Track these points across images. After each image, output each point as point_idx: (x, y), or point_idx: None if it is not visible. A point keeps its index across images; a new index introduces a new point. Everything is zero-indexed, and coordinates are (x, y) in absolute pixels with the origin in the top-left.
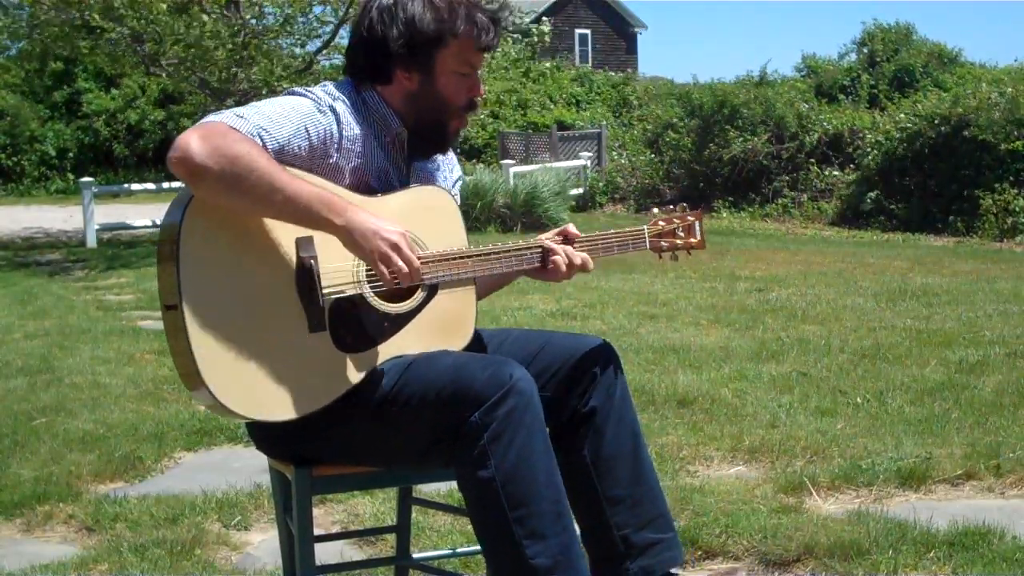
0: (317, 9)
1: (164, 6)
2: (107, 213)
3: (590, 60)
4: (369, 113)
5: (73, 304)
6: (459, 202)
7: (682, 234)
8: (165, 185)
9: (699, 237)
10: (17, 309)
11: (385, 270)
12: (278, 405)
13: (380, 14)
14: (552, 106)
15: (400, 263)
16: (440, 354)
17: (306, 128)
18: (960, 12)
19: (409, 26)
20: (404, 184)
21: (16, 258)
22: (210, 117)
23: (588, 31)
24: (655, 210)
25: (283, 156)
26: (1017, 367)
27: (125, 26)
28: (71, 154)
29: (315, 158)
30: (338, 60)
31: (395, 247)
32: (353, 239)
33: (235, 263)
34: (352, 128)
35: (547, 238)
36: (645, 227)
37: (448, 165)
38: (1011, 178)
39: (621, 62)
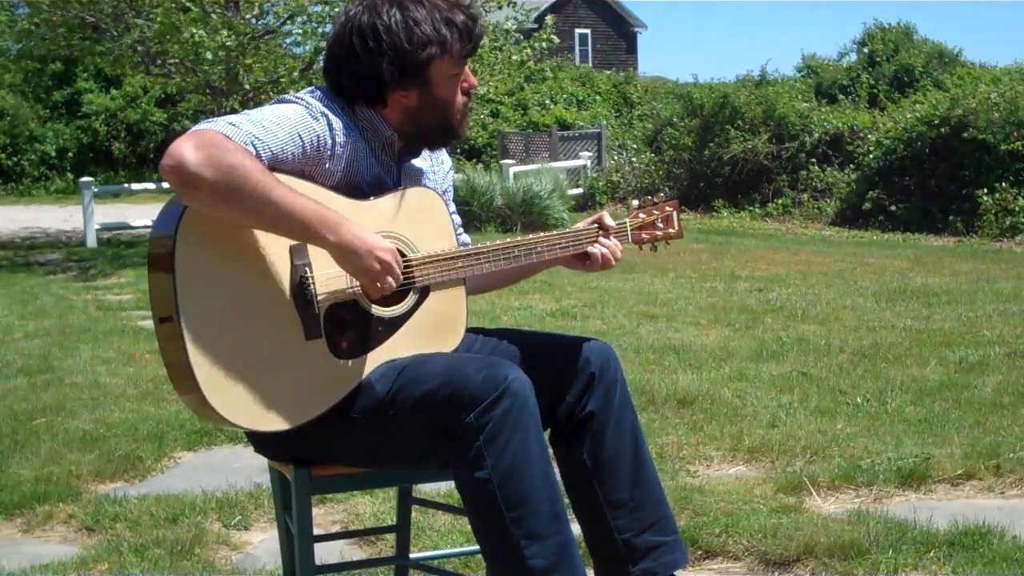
0: (315, 8)
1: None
2: (107, 213)
3: (590, 60)
4: (358, 119)
5: (73, 304)
6: (453, 193)
7: (661, 225)
8: (165, 185)
9: (677, 227)
10: (17, 309)
11: (378, 287)
12: (277, 415)
13: (362, 41)
14: (552, 106)
15: (391, 283)
16: (435, 356)
17: (299, 135)
18: (960, 12)
19: (397, 51)
20: (396, 186)
21: (16, 258)
22: (203, 125)
23: (588, 31)
24: (634, 203)
25: (277, 164)
26: (1017, 367)
27: (129, 27)
28: (71, 154)
29: (308, 164)
30: None
31: (388, 268)
32: (346, 257)
33: (230, 273)
34: (343, 133)
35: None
36: (627, 220)
37: (436, 158)
38: (1011, 178)
39: (621, 62)
